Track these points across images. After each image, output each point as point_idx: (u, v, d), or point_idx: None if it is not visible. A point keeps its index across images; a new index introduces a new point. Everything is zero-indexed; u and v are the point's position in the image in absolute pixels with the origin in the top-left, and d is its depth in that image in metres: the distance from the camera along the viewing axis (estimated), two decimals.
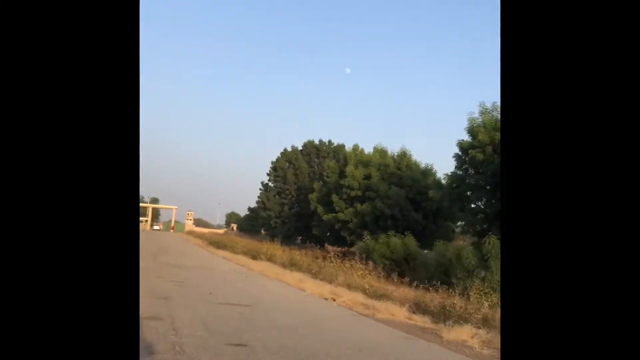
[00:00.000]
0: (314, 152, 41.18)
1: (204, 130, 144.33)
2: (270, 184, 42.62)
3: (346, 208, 28.69)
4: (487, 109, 18.93)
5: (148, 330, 5.53)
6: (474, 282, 12.35)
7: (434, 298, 11.02)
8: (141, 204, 78.33)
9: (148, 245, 28.31)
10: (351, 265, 16.96)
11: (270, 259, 23.47)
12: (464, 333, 7.27)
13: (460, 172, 20.55)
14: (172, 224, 76.26)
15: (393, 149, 36.80)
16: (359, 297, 11.18)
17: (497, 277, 13.08)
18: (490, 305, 9.15)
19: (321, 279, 15.17)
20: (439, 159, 74.26)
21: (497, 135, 17.16)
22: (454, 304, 9.13)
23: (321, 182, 34.57)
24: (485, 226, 19.32)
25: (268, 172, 42.64)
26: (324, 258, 18.18)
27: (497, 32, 1.73)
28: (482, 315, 8.34)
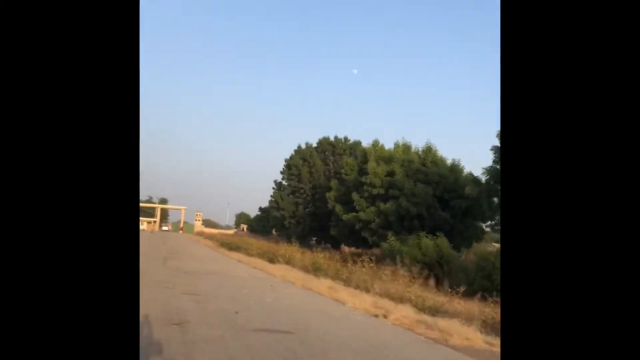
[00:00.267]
0: (329, 149, 39.24)
1: (213, 131, 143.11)
2: (284, 182, 40.71)
3: (367, 207, 26.73)
4: None
5: None
6: None
7: (498, 312, 9.06)
8: (150, 205, 77.45)
9: (157, 247, 26.55)
10: (377, 268, 15.11)
11: (289, 261, 21.65)
12: None
13: (499, 167, 18.59)
14: (181, 225, 74.95)
15: (417, 143, 34.93)
16: (410, 311, 9.29)
17: None
18: None
19: (354, 287, 13.28)
20: (465, 154, 71.56)
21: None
22: None
23: (338, 180, 32.63)
24: None
25: (282, 170, 40.73)
26: (353, 262, 16.23)
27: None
28: None
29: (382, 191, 26.19)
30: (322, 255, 18.70)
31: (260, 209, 63.53)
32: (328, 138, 39.68)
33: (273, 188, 41.53)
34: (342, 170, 32.24)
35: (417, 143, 38.06)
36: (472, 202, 23.45)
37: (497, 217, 20.72)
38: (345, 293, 11.40)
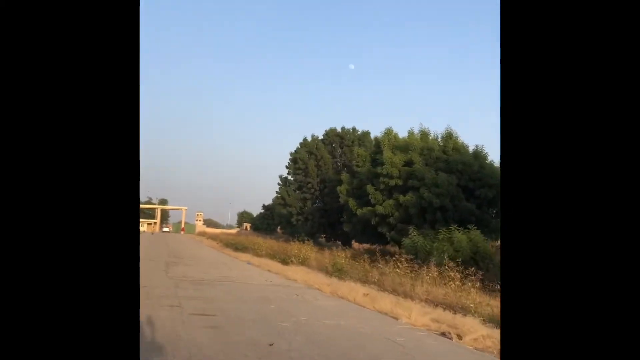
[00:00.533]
0: (336, 140, 37.06)
1: (212, 130, 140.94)
2: (289, 177, 38.56)
3: (384, 200, 24.64)
4: None
5: None
6: None
7: None
8: (150, 206, 75.80)
9: (158, 250, 24.45)
10: (405, 267, 13.11)
11: (303, 262, 19.65)
12: None
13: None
14: (182, 226, 73.15)
15: (436, 130, 32.78)
16: (480, 326, 7.27)
17: None
18: None
19: (391, 292, 11.24)
20: (484, 140, 69.01)
21: None
22: None
23: (349, 173, 30.55)
24: None
25: (287, 164, 38.56)
26: (385, 261, 14.17)
27: None
28: None
29: (400, 182, 24.12)
30: (343, 254, 16.64)
31: (264, 206, 61.67)
32: (335, 129, 37.52)
33: (278, 184, 39.38)
34: (354, 162, 30.17)
35: (436, 129, 35.83)
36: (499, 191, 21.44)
37: None
38: (386, 302, 9.37)
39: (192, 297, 8.75)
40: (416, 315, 8.03)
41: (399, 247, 27.46)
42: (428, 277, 12.11)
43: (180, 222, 76.63)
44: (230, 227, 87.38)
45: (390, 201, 24.29)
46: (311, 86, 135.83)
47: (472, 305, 9.13)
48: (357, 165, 28.96)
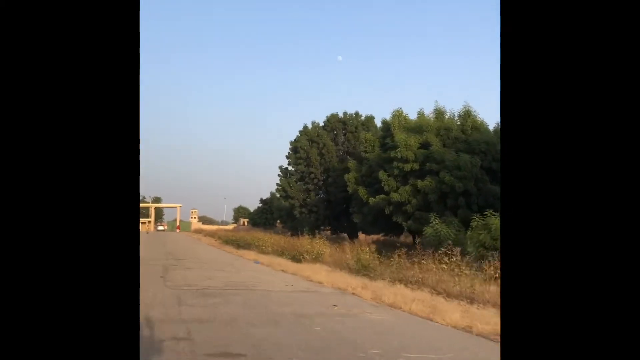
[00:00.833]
0: (339, 127, 34.85)
1: (205, 125, 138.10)
2: (290, 168, 36.30)
3: (399, 187, 22.52)
4: None
5: None
6: None
7: None
8: (143, 204, 73.35)
9: (154, 251, 22.10)
10: (435, 260, 11.14)
11: (317, 259, 17.51)
12: None
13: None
14: (178, 223, 70.95)
15: (452, 107, 30.56)
16: None
17: None
18: None
19: (446, 295, 9.12)
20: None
21: None
22: None
23: (356, 160, 28.39)
24: None
25: (287, 154, 36.29)
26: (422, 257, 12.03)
27: None
28: None
29: (416, 166, 22.01)
30: (366, 248, 14.51)
31: (262, 200, 59.50)
32: (337, 115, 35.28)
33: (278, 175, 37.08)
34: (361, 148, 28.01)
35: (452, 107, 33.59)
36: None
37: None
38: (455, 312, 7.26)
39: (203, 320, 6.53)
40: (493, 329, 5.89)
41: (415, 238, 25.52)
42: (484, 273, 10.02)
43: (174, 220, 74.60)
44: (225, 223, 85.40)
45: (407, 187, 22.21)
46: (307, 72, 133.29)
47: None
48: (365, 151, 26.83)
